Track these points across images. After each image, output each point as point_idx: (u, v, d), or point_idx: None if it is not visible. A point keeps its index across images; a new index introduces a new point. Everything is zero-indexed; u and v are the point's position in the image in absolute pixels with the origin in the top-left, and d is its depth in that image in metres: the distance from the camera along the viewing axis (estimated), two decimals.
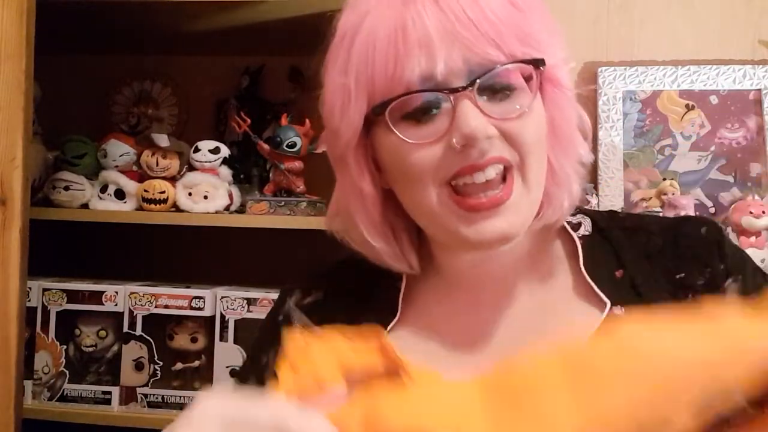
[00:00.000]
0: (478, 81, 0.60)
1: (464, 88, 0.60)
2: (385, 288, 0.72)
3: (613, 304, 0.66)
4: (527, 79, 0.63)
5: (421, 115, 0.62)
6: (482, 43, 0.60)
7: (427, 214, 0.65)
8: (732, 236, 1.32)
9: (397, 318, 0.70)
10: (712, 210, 1.44)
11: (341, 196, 0.70)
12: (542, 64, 0.62)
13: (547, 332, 0.65)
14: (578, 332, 0.63)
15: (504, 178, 0.62)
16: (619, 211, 0.77)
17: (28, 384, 1.36)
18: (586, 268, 0.69)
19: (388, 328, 0.69)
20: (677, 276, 0.67)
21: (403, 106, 0.62)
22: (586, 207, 0.77)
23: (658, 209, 1.40)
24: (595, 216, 0.74)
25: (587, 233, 0.73)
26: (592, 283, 0.68)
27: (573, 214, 0.73)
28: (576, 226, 0.73)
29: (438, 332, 0.69)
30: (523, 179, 0.63)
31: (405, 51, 0.60)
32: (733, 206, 1.38)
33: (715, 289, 0.66)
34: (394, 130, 0.62)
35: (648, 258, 0.69)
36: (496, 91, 0.62)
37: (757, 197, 1.38)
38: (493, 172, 0.61)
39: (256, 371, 0.75)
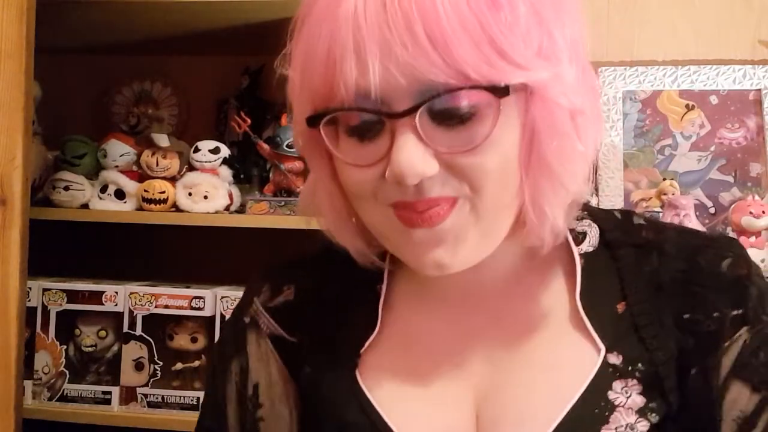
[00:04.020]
0: (420, 108, 0.49)
1: (404, 114, 0.49)
2: (363, 292, 0.65)
3: (609, 349, 0.57)
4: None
5: (364, 132, 0.52)
6: (425, 60, 0.47)
7: (374, 231, 0.57)
8: (732, 236, 1.32)
9: (376, 331, 0.62)
10: (712, 210, 1.44)
11: (312, 182, 0.62)
12: (505, 93, 0.49)
13: (537, 367, 0.58)
14: (571, 375, 0.57)
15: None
16: (640, 213, 0.65)
17: (28, 384, 1.36)
18: (582, 299, 0.59)
19: (367, 343, 0.62)
20: (684, 316, 0.57)
21: (345, 119, 0.53)
22: (593, 206, 0.65)
23: (658, 209, 1.40)
24: (605, 223, 0.63)
25: (591, 249, 0.61)
26: (587, 321, 0.58)
27: (580, 218, 0.62)
28: (579, 238, 0.62)
29: (419, 344, 0.62)
30: (472, 208, 0.53)
31: (340, 53, 0.49)
32: (733, 206, 1.37)
33: (720, 340, 0.56)
34: (329, 146, 0.54)
35: (659, 290, 0.58)
36: (451, 117, 0.50)
37: (757, 197, 1.38)
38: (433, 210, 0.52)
39: (219, 385, 0.67)
